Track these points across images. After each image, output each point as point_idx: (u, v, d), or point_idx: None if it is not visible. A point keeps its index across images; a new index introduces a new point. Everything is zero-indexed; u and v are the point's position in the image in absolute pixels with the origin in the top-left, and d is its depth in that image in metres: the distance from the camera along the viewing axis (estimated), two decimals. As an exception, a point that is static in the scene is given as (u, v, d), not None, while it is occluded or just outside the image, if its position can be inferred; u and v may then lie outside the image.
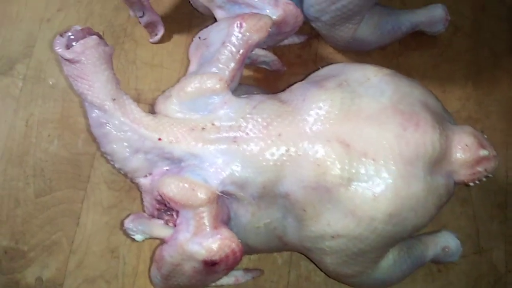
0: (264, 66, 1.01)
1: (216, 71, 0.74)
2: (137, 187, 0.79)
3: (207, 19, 1.03)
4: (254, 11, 0.84)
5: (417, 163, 0.66)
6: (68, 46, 0.73)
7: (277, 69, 1.01)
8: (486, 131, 1.03)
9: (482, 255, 0.94)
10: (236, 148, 0.70)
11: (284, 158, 0.69)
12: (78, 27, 0.74)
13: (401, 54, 1.07)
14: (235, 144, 0.70)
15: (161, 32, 1.02)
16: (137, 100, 1.00)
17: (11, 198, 0.94)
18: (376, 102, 0.68)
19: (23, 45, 1.03)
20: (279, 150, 0.69)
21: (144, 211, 0.80)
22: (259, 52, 0.95)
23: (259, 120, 0.71)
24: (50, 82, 1.01)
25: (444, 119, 0.72)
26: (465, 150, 0.69)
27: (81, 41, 0.72)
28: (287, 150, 0.69)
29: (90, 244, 0.93)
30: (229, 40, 0.75)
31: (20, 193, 0.95)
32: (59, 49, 0.72)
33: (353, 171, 0.65)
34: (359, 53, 1.05)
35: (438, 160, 0.68)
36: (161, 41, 1.03)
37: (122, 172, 0.78)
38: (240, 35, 0.75)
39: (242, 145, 0.70)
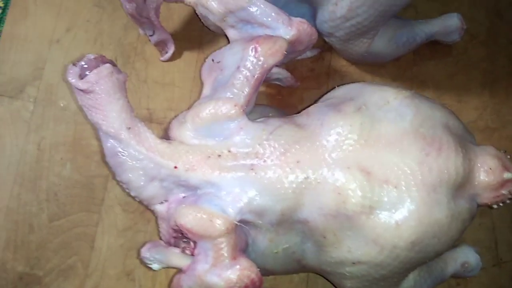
0: (277, 83, 0.99)
1: (231, 96, 0.73)
2: (153, 213, 0.79)
3: (218, 36, 1.02)
4: (268, 31, 0.83)
5: (440, 189, 0.64)
6: (82, 76, 0.72)
7: (290, 85, 0.99)
8: (503, 140, 1.01)
9: (502, 267, 0.93)
10: (253, 176, 0.69)
11: (303, 186, 0.67)
12: (92, 56, 0.73)
13: (416, 64, 1.05)
14: (253, 172, 0.69)
15: (171, 50, 1.01)
16: (149, 119, 0.99)
17: (25, 224, 0.94)
18: (396, 127, 0.67)
19: (32, 67, 1.02)
20: (298, 177, 0.67)
21: (160, 238, 0.79)
22: (272, 69, 0.94)
23: (277, 146, 0.69)
24: (61, 104, 1.00)
25: (466, 140, 0.70)
26: (488, 173, 0.67)
27: (95, 71, 0.71)
28: (306, 178, 0.67)
29: (105, 267, 0.92)
30: (244, 64, 0.73)
31: (34, 218, 0.94)
32: (73, 80, 0.71)
33: (375, 199, 0.64)
34: (374, 65, 1.03)
35: (461, 185, 0.66)
36: (171, 59, 1.02)
37: (138, 200, 0.77)
38: (255, 60, 0.73)
39: (260, 172, 0.68)
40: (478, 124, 1.02)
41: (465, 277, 0.88)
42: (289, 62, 1.00)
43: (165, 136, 0.79)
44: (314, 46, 1.02)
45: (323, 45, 1.02)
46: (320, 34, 0.95)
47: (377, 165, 0.65)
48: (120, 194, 0.95)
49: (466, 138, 0.71)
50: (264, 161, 0.69)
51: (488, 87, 1.04)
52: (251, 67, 0.73)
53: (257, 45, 0.74)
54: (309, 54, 1.03)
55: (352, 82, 0.95)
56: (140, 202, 0.77)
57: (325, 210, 0.66)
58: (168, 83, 1.01)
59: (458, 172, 0.65)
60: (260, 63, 0.73)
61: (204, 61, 0.84)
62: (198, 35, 1.04)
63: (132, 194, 0.76)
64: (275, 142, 0.70)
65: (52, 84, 1.01)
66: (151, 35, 0.98)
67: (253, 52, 0.73)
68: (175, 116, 0.79)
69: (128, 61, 1.02)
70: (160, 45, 1.01)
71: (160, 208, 0.76)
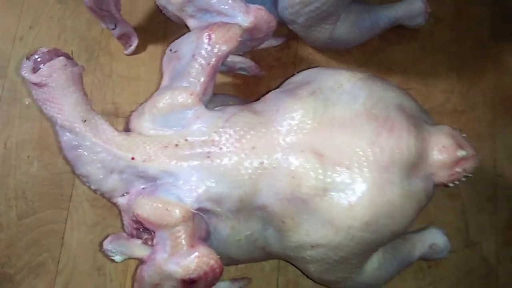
0: (242, 72, 0.99)
1: (187, 85, 0.73)
2: (116, 206, 0.78)
3: (183, 27, 1.01)
4: (226, 19, 0.83)
5: (392, 169, 0.64)
6: (35, 69, 0.72)
7: (255, 74, 0.99)
8: (471, 123, 1.01)
9: (473, 248, 0.93)
10: (210, 163, 0.69)
11: (259, 171, 0.67)
12: (45, 49, 0.73)
13: (382, 50, 1.05)
14: (209, 160, 0.69)
15: (135, 43, 1.00)
16: (115, 114, 0.99)
17: (-6, 222, 0.94)
18: (349, 109, 0.67)
19: (-4, 65, 1.01)
20: (253, 163, 0.67)
21: (123, 230, 0.79)
22: (235, 59, 0.94)
23: (232, 133, 0.69)
24: (26, 102, 0.99)
25: (421, 120, 0.70)
26: (442, 151, 0.67)
27: (48, 64, 0.71)
28: (261, 163, 0.67)
29: (76, 263, 0.92)
30: (198, 52, 0.73)
31: (3, 216, 0.94)
32: (26, 73, 0.71)
33: (328, 180, 0.64)
34: (339, 52, 1.03)
35: (415, 164, 0.66)
36: (136, 52, 1.02)
37: (99, 193, 0.77)
38: (209, 47, 0.73)
39: (216, 160, 0.68)
40: (445, 107, 1.02)
41: (434, 259, 0.88)
42: (254, 52, 1.01)
43: (126, 129, 0.79)
44: (280, 35, 1.03)
45: (289, 34, 1.01)
46: (283, 22, 0.95)
47: (330, 148, 0.65)
48: (88, 190, 0.95)
49: (421, 118, 0.71)
50: (220, 148, 0.69)
51: (455, 70, 1.04)
52: (205, 55, 0.73)
53: (211, 32, 0.73)
54: (274, 42, 1.03)
55: (314, 68, 0.97)
56: (102, 195, 0.77)
57: (281, 194, 0.66)
58: (134, 77, 1.01)
59: (410, 151, 0.65)
60: (214, 50, 0.73)
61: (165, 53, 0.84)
62: (163, 27, 1.04)
63: (93, 187, 0.76)
64: (230, 129, 0.70)
65: (16, 82, 1.00)
66: (113, 29, 0.97)
67: (207, 40, 0.73)
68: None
69: (93, 56, 1.02)
70: (124, 39, 1.00)
71: (121, 201, 0.76)
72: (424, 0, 1.00)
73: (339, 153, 0.64)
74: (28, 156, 0.97)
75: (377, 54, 1.05)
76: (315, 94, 0.69)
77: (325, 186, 0.64)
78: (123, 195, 0.76)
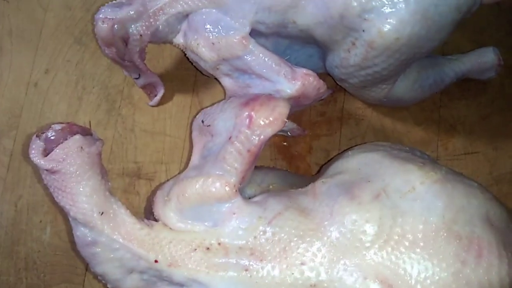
0: (282, 134, 0.86)
1: (221, 173, 0.61)
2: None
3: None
4: (267, 84, 0.71)
5: (480, 307, 0.51)
6: (47, 150, 0.61)
7: (297, 135, 0.86)
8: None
9: None
10: (248, 278, 0.57)
11: (308, 294, 0.55)
12: (58, 126, 0.62)
13: (444, 105, 0.90)
14: (247, 273, 0.57)
15: (161, 93, 0.88)
16: (137, 175, 0.88)
17: (1, 296, 0.84)
18: (424, 223, 0.54)
19: (8, 115, 0.91)
20: (302, 284, 0.55)
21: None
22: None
23: (276, 241, 0.57)
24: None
25: (511, 234, 0.57)
26: (541, 283, 0.54)
27: (61, 146, 0.60)
28: (312, 286, 0.55)
29: None
30: (236, 136, 0.61)
31: (12, 290, 0.84)
32: (36, 157, 0.60)
33: (398, 320, 0.51)
34: (394, 107, 0.89)
35: (506, 299, 0.53)
36: (161, 103, 0.90)
37: (117, 292, 0.66)
38: (249, 132, 0.61)
39: (255, 274, 0.57)
40: (517, 175, 0.87)
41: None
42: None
43: (148, 210, 0.68)
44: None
45: (335, 86, 0.88)
46: (330, 76, 0.81)
47: (401, 276, 0.52)
48: (105, 262, 0.84)
49: (511, 231, 0.57)
50: (261, 260, 0.57)
51: (530, 130, 0.89)
52: (245, 140, 0.61)
53: (252, 113, 0.61)
54: (319, 96, 0.90)
55: (366, 132, 0.83)
56: (120, 294, 0.66)
57: None
58: (158, 131, 0.90)
59: (503, 284, 0.52)
60: (255, 135, 0.61)
61: (195, 116, 0.72)
62: (193, 74, 0.92)
63: (109, 286, 0.65)
64: (274, 236, 0.58)
65: (29, 135, 0.90)
66: (136, 78, 0.86)
67: (247, 122, 0.61)
68: (166, 179, 0.68)
69: (114, 107, 0.91)
70: (148, 88, 0.89)
71: (143, 303, 0.65)
72: (497, 51, 0.85)
73: (413, 285, 0.51)
74: (41, 221, 0.87)
75: (437, 111, 0.90)
76: (379, 199, 0.56)
77: (393, 328, 0.51)
78: (144, 295, 0.65)
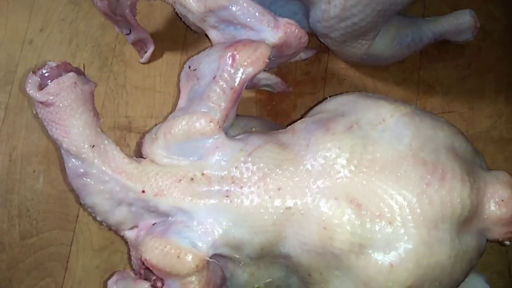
0: (267, 89, 0.90)
1: (206, 110, 0.65)
2: (123, 239, 0.71)
3: (204, 35, 0.93)
4: (251, 32, 0.74)
5: (442, 225, 0.55)
6: (42, 85, 0.64)
7: (282, 91, 0.90)
8: (520, 152, 0.90)
9: (515, 293, 0.84)
10: (228, 204, 0.60)
11: (285, 217, 0.59)
12: (53, 64, 0.65)
13: (423, 67, 0.94)
14: (228, 199, 0.61)
15: (150, 49, 0.92)
16: (128, 128, 0.91)
17: (-5, 241, 0.88)
18: (392, 150, 0.58)
19: (3, 70, 0.94)
20: (279, 207, 0.59)
21: (131, 265, 0.71)
22: (260, 75, 0.84)
23: (255, 170, 0.61)
24: (34, 112, 0.92)
25: (475, 165, 0.61)
26: (500, 205, 0.58)
27: (56, 81, 0.63)
28: (288, 208, 0.59)
29: (80, 289, 0.86)
30: (220, 75, 0.65)
31: (5, 235, 0.87)
32: (31, 90, 0.64)
33: (366, 236, 0.55)
34: (375, 68, 0.93)
35: (467, 219, 0.57)
36: (152, 60, 0.93)
37: (105, 225, 0.69)
38: (232, 70, 0.64)
39: (236, 200, 0.60)
40: (491, 134, 0.91)
41: None
42: (281, 65, 0.91)
43: (138, 151, 0.71)
44: (310, 47, 0.93)
45: (320, 46, 0.92)
46: (314, 33, 0.85)
47: (369, 196, 0.56)
48: (96, 210, 0.88)
49: (475, 162, 0.61)
50: (241, 187, 0.61)
51: (504, 93, 0.93)
52: (228, 78, 0.64)
53: (235, 53, 0.65)
54: (303, 55, 0.93)
55: (349, 91, 0.87)
56: (109, 227, 0.70)
57: (309, 245, 0.58)
58: (149, 87, 0.93)
59: (464, 205, 0.56)
60: (238, 73, 0.64)
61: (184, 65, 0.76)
62: (182, 33, 0.95)
63: (99, 219, 0.68)
64: (253, 165, 0.61)
65: (24, 89, 0.93)
66: (127, 34, 0.89)
67: (230, 61, 0.65)
68: (155, 125, 0.71)
69: (106, 64, 0.94)
70: (139, 45, 0.92)
71: (130, 235, 0.69)
72: (473, 13, 0.89)
73: (380, 204, 0.55)
74: (34, 171, 0.90)
75: (417, 72, 0.94)
76: (352, 130, 0.60)
77: (362, 242, 0.55)
78: (131, 228, 0.69)
